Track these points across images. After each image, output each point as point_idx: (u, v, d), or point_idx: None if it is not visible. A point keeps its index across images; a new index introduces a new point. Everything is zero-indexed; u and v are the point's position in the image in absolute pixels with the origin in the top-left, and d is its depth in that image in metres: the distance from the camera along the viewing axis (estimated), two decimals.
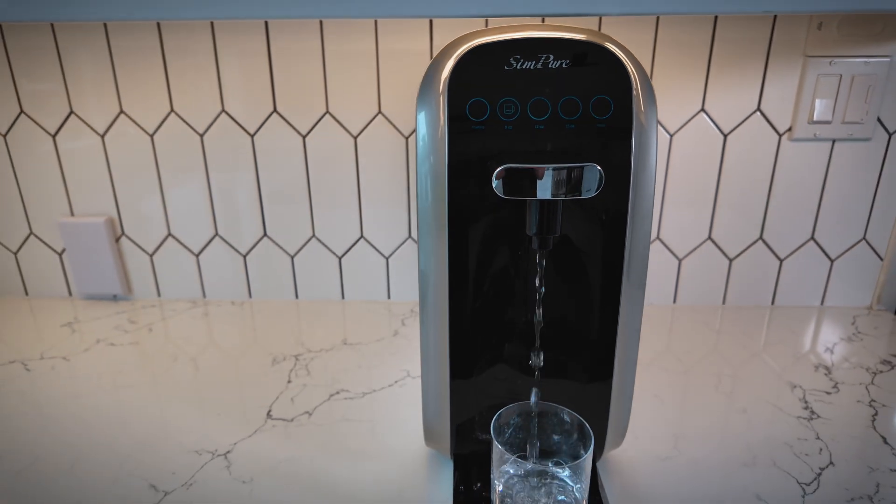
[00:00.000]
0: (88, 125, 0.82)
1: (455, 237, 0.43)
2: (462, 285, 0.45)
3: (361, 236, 0.87)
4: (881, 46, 0.74)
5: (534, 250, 0.42)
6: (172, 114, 0.81)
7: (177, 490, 0.52)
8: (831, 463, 0.55)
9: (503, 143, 0.41)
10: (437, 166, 0.42)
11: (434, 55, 0.76)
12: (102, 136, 0.83)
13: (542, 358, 0.46)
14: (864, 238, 0.83)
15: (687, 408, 0.63)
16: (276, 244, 0.88)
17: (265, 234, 0.87)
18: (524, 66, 0.41)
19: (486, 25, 0.74)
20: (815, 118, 0.77)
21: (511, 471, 0.45)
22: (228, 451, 0.57)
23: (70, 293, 0.92)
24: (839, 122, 0.77)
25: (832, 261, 0.85)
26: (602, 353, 0.48)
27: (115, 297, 0.92)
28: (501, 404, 0.46)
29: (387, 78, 0.78)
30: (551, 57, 0.41)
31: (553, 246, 0.42)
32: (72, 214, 0.87)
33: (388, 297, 0.90)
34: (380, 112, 0.80)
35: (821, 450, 0.56)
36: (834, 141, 0.79)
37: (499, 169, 0.38)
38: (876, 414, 0.62)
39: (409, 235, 0.86)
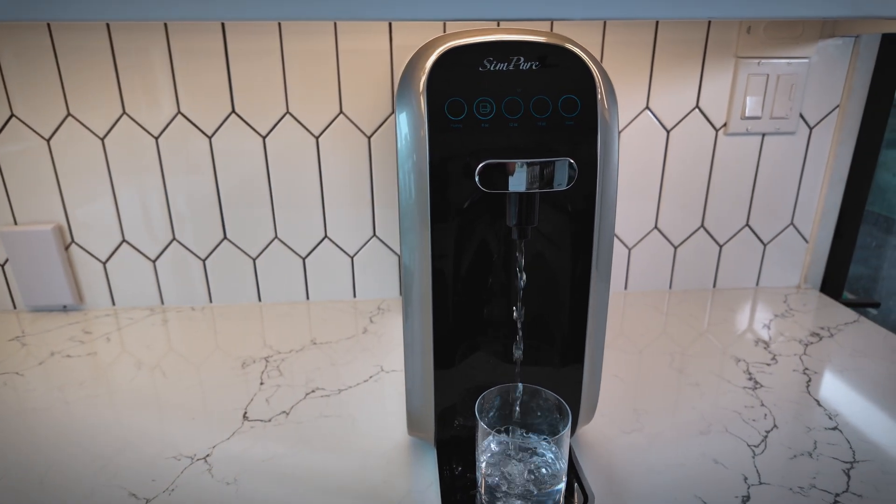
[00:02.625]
0: (32, 129, 0.78)
1: (438, 232, 0.45)
2: (445, 278, 0.47)
3: (325, 236, 0.87)
4: (801, 48, 0.82)
5: (514, 240, 0.45)
6: (125, 116, 0.79)
7: (159, 496, 0.51)
8: (775, 426, 0.60)
9: (481, 141, 0.44)
10: (419, 163, 0.44)
11: (394, 55, 0.77)
12: (48, 141, 0.79)
13: (522, 344, 0.49)
14: (791, 223, 0.92)
15: (645, 385, 0.68)
16: (237, 247, 0.87)
17: (225, 238, 0.86)
18: (497, 68, 0.44)
19: (444, 29, 0.76)
20: (746, 114, 0.84)
21: (494, 448, 0.48)
22: (208, 455, 0.57)
23: (14, 306, 0.88)
24: (768, 117, 0.85)
25: (765, 245, 0.93)
26: (574, 338, 0.51)
27: (65, 308, 0.88)
28: (483, 390, 0.49)
29: (347, 78, 0.79)
30: (522, 59, 0.44)
31: (530, 235, 0.45)
32: (15, 223, 0.83)
33: (354, 295, 0.91)
34: (341, 112, 0.81)
35: (765, 415, 0.62)
36: (763, 135, 0.86)
37: (480, 165, 0.40)
38: (809, 381, 0.69)
39: (374, 234, 0.88)
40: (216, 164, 0.82)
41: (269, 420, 0.62)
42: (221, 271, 0.88)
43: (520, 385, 0.48)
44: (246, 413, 0.63)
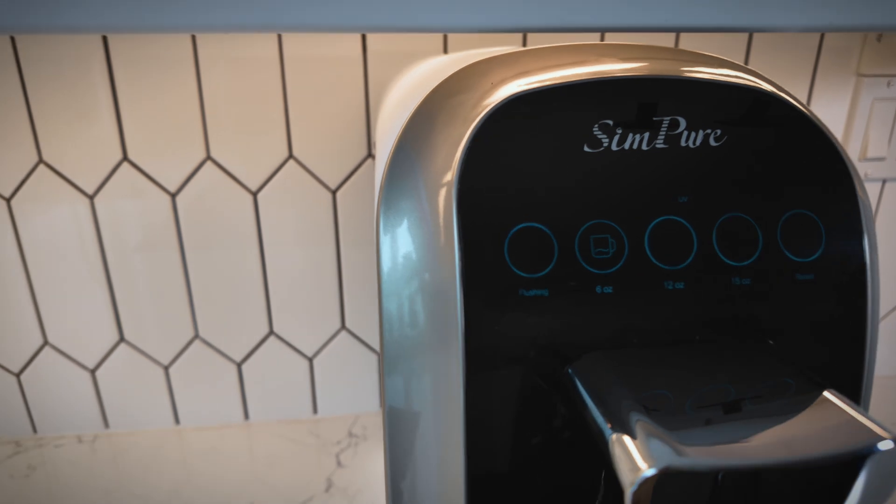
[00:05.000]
0: None
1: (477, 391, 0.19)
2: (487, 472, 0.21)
3: (271, 332, 0.61)
4: None
5: None
6: None
7: None
8: None
9: (595, 327, 0.18)
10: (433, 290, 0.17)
11: (369, 66, 0.52)
12: None
13: None
14: None
15: None
16: (141, 352, 0.60)
17: (122, 339, 0.59)
18: (627, 146, 0.18)
19: (445, 44, 0.50)
20: (868, 154, 0.61)
21: None
22: None
23: None
24: (894, 158, 0.61)
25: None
26: None
27: None
28: None
29: (299, 103, 0.53)
30: (682, 122, 0.18)
31: None
32: None
33: (315, 411, 0.65)
34: (291, 156, 0.55)
35: None
36: (885, 181, 0.63)
37: (640, 479, 0.14)
38: None
39: (343, 325, 0.61)
40: (102, 236, 0.55)
41: None
42: (120, 385, 0.61)
43: None
44: None
